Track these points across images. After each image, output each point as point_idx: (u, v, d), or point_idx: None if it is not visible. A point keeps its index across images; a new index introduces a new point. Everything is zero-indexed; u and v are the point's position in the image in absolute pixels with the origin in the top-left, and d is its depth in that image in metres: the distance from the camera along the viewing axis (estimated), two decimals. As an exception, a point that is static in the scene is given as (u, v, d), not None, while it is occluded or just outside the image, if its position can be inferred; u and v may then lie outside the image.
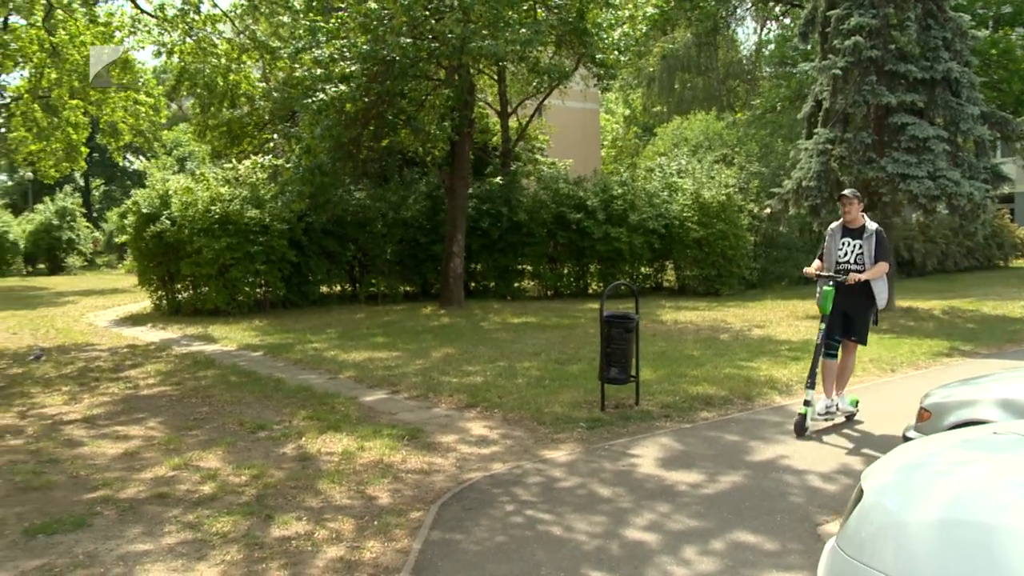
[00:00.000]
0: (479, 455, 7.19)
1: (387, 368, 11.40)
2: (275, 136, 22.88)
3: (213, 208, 18.63)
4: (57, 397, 10.00)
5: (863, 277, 7.67)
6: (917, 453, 3.74)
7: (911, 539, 3.00)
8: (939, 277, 26.42)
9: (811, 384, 7.67)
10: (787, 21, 36.46)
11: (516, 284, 22.89)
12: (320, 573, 4.75)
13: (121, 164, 46.59)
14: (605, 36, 19.54)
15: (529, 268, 22.96)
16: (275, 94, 21.43)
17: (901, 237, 19.71)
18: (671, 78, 44.12)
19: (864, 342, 8.16)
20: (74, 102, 20.08)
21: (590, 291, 22.56)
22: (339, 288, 22.81)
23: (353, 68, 16.75)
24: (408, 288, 23.08)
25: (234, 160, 22.16)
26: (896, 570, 2.95)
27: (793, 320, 15.90)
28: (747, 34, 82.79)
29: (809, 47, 19.91)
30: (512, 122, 24.06)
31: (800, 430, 7.51)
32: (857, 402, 8.29)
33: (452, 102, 19.28)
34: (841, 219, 8.13)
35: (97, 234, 48.41)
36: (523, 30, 16.29)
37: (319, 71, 17.07)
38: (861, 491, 3.42)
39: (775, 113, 29.85)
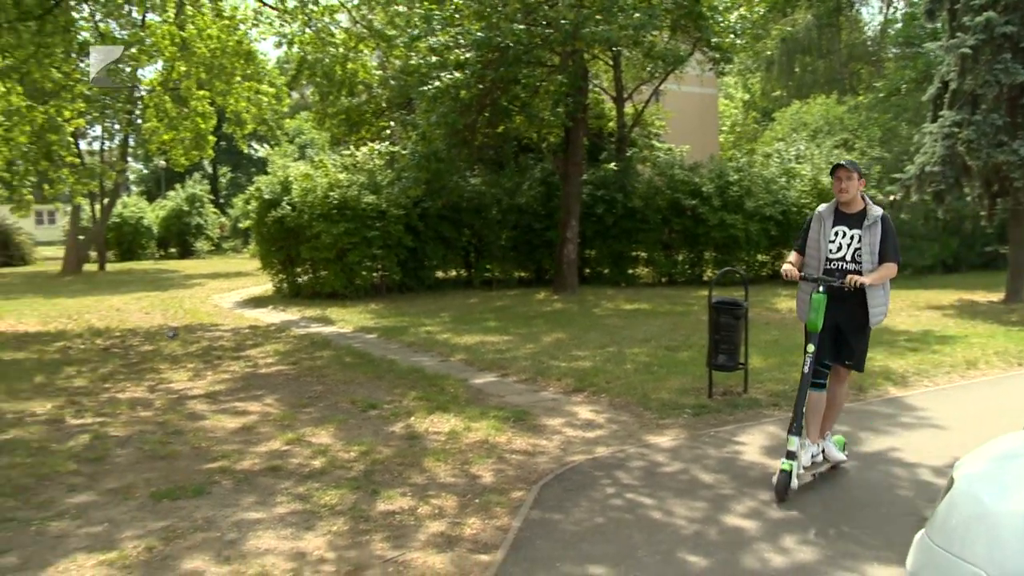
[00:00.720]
0: (583, 438, 7.24)
1: (498, 352, 11.54)
2: (392, 123, 23.33)
3: (332, 194, 19.14)
4: (183, 373, 10.49)
5: (868, 281, 5.65)
6: (1015, 443, 3.59)
7: (1002, 530, 2.89)
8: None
9: (797, 429, 5.68)
10: (915, -1, 35.05)
11: (630, 270, 22.77)
12: (421, 547, 4.89)
13: (246, 152, 48.02)
14: (721, 19, 19.14)
15: (643, 254, 22.77)
16: (391, 82, 21.77)
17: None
18: (791, 61, 42.99)
19: (862, 368, 6.13)
20: (201, 93, 20.83)
21: (705, 278, 22.21)
22: (454, 273, 23.08)
23: (468, 55, 16.90)
24: (522, 274, 23.22)
25: (352, 147, 22.65)
26: (985, 561, 2.85)
27: (913, 311, 15.39)
28: (872, 14, 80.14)
29: (938, 25, 19.13)
30: (628, 108, 23.86)
31: (783, 493, 5.58)
32: (845, 444, 6.39)
33: (566, 88, 19.22)
34: (834, 200, 6.06)
35: (224, 219, 50.11)
36: (637, 14, 16.11)
37: (434, 59, 17.28)
38: (952, 480, 3.32)
39: (900, 96, 28.80)
